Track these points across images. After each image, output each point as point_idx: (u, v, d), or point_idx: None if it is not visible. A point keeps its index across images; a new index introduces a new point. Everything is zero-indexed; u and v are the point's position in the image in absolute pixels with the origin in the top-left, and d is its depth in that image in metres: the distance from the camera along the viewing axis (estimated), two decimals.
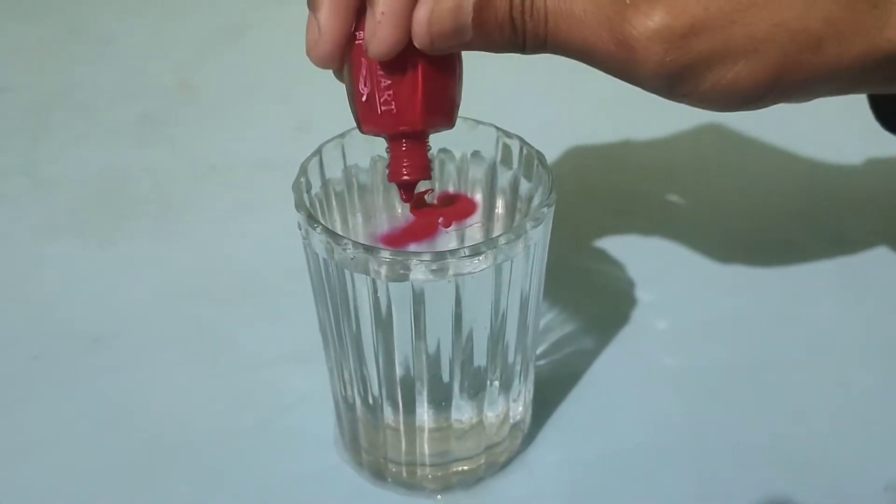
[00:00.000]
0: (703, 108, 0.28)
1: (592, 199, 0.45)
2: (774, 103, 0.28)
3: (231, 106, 0.54)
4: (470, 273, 0.26)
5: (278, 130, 0.51)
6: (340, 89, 0.57)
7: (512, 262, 0.27)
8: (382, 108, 0.26)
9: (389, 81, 0.26)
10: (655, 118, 0.51)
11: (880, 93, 0.33)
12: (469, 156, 0.31)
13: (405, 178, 0.27)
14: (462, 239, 0.31)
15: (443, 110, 0.27)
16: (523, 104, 0.50)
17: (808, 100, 0.29)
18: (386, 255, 0.26)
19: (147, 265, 0.42)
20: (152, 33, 0.62)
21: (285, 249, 0.40)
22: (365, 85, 0.26)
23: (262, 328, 0.38)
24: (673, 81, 0.26)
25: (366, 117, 0.27)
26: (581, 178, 0.46)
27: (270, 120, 0.52)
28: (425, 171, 0.27)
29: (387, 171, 0.28)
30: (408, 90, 0.26)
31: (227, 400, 0.35)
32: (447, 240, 0.30)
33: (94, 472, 0.33)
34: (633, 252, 0.41)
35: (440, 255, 0.26)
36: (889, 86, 0.29)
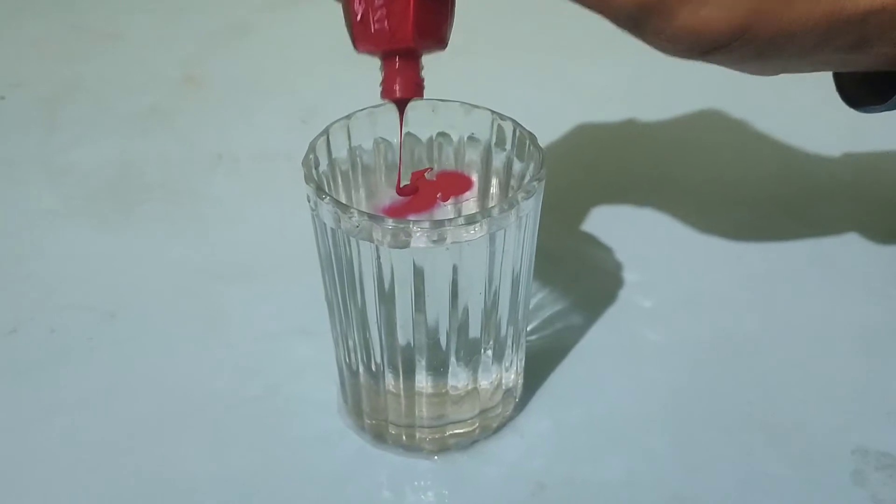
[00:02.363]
0: (669, 51, 0.29)
1: (582, 186, 0.47)
2: (740, 58, 0.29)
3: (236, 99, 0.56)
4: (466, 241, 0.29)
5: (282, 122, 0.53)
6: (342, 83, 0.59)
7: (505, 231, 0.29)
8: (376, 25, 0.27)
9: (382, 0, 0.27)
10: (641, 109, 0.53)
11: (841, 68, 0.34)
12: (466, 139, 0.33)
13: (397, 95, 0.28)
14: (459, 212, 0.33)
15: (435, 30, 0.28)
16: (517, 96, 0.52)
17: (772, 64, 0.30)
18: (389, 223, 0.28)
19: (158, 247, 0.44)
20: (159, 30, 0.64)
21: (289, 232, 0.43)
22: (360, 4, 0.27)
23: (267, 304, 0.40)
24: (646, 13, 0.27)
25: (360, 35, 0.28)
26: (572, 166, 0.48)
27: (274, 112, 0.54)
28: (417, 88, 0.28)
29: (380, 89, 0.29)
30: (400, 9, 0.27)
31: (236, 369, 0.37)
32: (445, 213, 0.32)
33: (110, 435, 0.35)
34: (620, 235, 0.43)
35: (438, 224, 0.28)
36: (850, 54, 0.30)
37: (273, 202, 0.46)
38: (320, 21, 0.66)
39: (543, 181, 0.30)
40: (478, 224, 0.28)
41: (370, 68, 0.60)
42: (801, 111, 0.54)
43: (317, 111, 0.54)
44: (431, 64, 0.59)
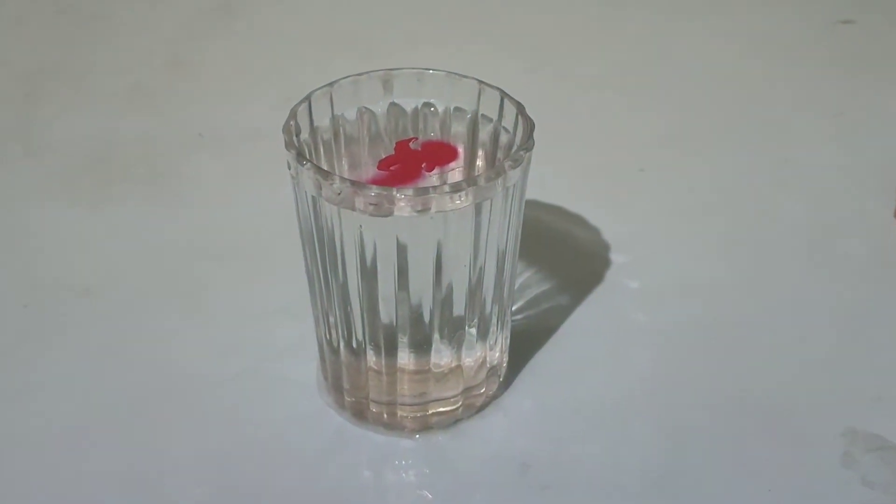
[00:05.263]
0: None
1: (570, 166, 0.46)
2: None
3: (220, 79, 0.55)
4: (451, 210, 0.28)
5: (266, 102, 0.52)
6: (328, 64, 0.58)
7: (491, 202, 0.29)
8: None
9: None
10: (632, 95, 0.53)
11: None
12: (452, 110, 0.33)
13: None
14: (444, 182, 0.32)
15: None
16: (508, 80, 0.51)
17: None
18: (371, 190, 0.27)
19: (137, 225, 0.43)
20: (143, 11, 0.63)
21: (271, 213, 0.42)
22: None
23: (247, 284, 0.40)
24: None
25: None
26: (560, 148, 0.48)
27: (259, 93, 0.53)
28: None
29: None
30: None
31: (213, 348, 0.37)
32: (430, 184, 0.32)
33: (85, 414, 0.34)
34: (608, 217, 0.43)
35: (423, 191, 0.27)
36: None
37: (256, 182, 0.45)
38: (307, 2, 0.66)
39: (531, 151, 0.29)
40: (463, 193, 0.28)
41: (356, 50, 0.59)
42: (792, 101, 0.53)
43: (302, 92, 0.53)
44: (422, 49, 0.58)
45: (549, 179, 0.40)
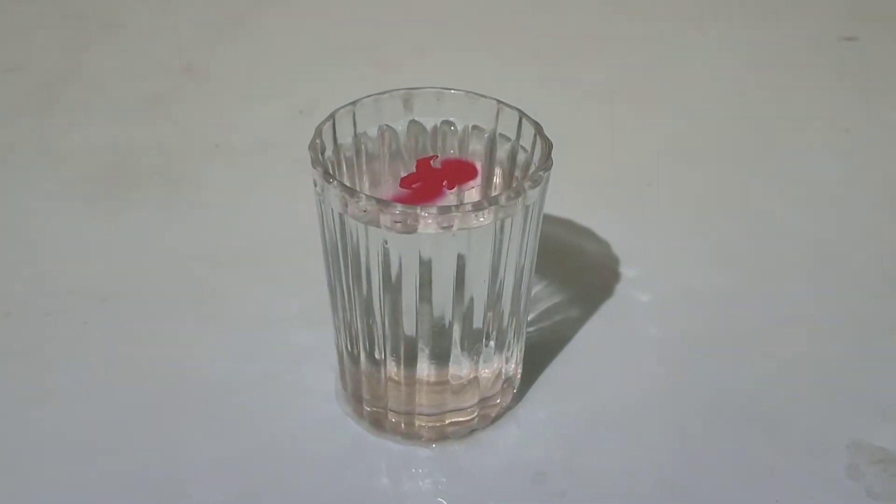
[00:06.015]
0: None
1: (580, 181, 0.47)
2: None
3: (235, 90, 0.56)
4: (474, 227, 0.29)
5: (279, 113, 0.53)
6: (340, 75, 0.59)
7: (512, 220, 0.29)
8: None
9: None
10: (636, 108, 0.54)
11: None
12: (470, 128, 0.34)
13: None
14: (462, 201, 0.33)
15: None
16: (517, 92, 0.52)
17: None
18: (397, 208, 0.28)
19: (153, 233, 0.44)
20: (158, 19, 0.64)
21: (284, 222, 0.43)
22: None
23: (263, 292, 0.40)
24: None
25: None
26: (569, 161, 0.48)
27: (272, 103, 0.54)
28: None
29: None
30: None
31: (231, 355, 0.37)
32: (450, 202, 0.32)
33: (105, 421, 0.35)
34: (618, 231, 0.43)
35: (446, 210, 0.28)
36: None
37: (269, 192, 0.46)
38: (320, 13, 0.67)
39: (550, 171, 0.30)
40: (485, 211, 0.28)
41: (368, 61, 0.60)
42: (797, 116, 0.54)
43: (314, 103, 0.54)
44: (430, 60, 0.59)
45: (558, 192, 0.41)
